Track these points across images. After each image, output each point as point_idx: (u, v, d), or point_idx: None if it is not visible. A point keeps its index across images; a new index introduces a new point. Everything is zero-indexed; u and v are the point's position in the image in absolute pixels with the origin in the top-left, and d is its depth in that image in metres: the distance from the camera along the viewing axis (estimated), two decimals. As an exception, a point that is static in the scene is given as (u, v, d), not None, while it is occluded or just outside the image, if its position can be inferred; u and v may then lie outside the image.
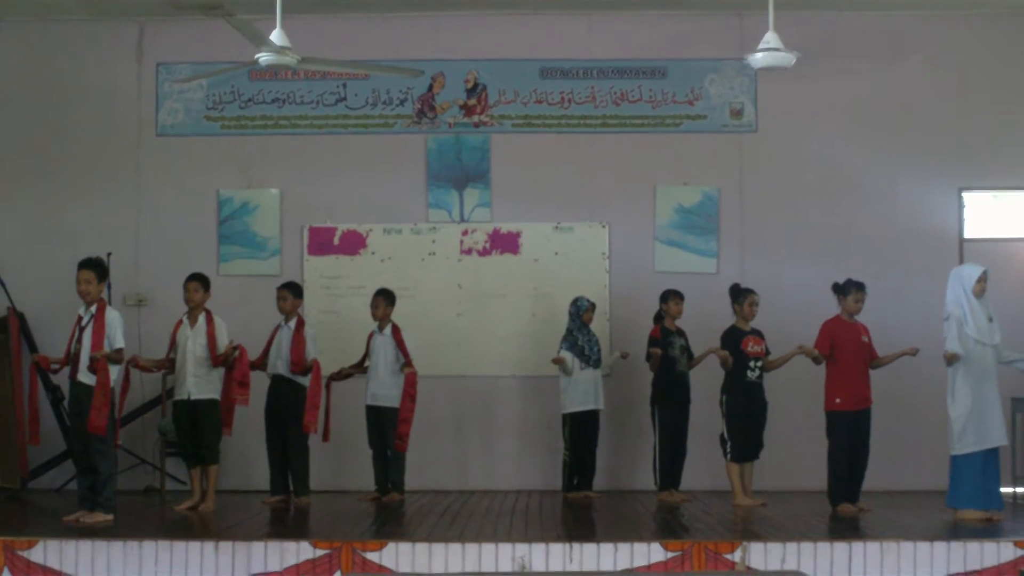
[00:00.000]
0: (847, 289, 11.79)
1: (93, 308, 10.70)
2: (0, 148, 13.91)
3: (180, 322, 11.69)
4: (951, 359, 10.92)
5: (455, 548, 9.34)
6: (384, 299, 12.62)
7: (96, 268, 10.79)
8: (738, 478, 12.05)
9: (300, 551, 9.36)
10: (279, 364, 12.22)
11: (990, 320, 11.03)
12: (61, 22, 13.88)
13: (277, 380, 12.26)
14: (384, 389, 12.45)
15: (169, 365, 11.73)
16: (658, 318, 12.66)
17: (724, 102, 13.88)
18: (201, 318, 11.60)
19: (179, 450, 12.13)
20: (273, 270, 13.64)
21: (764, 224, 13.74)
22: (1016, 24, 13.80)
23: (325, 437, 12.41)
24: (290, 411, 12.11)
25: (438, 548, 9.34)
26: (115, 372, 10.68)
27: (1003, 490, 11.24)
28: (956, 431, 10.88)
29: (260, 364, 12.21)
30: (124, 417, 11.63)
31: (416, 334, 12.74)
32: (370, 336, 12.64)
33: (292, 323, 12.27)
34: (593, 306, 12.87)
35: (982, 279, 11.02)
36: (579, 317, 12.78)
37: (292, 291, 12.44)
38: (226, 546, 9.38)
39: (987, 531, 10.16)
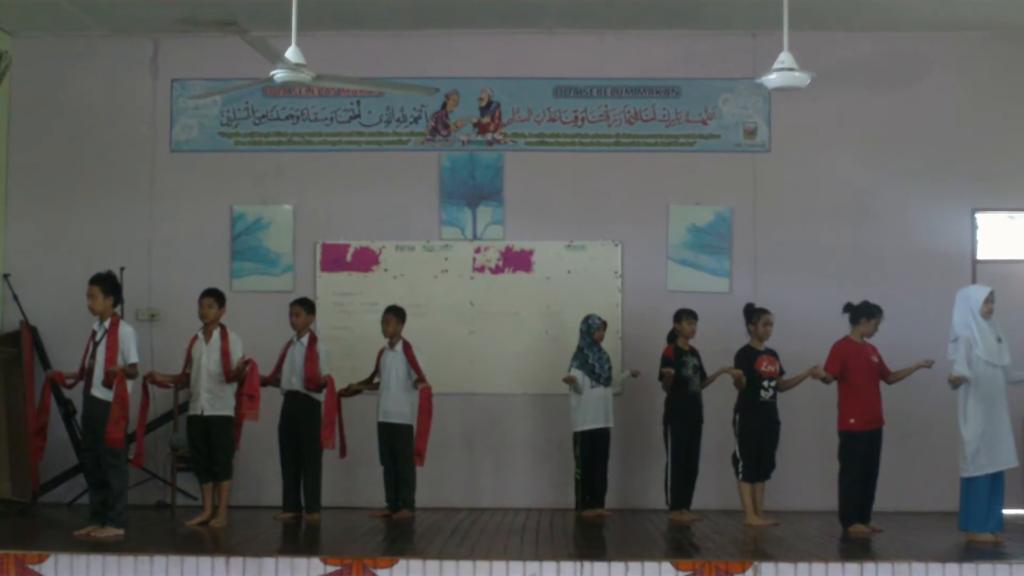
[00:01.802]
0: (873, 313, 11.75)
1: (107, 323, 10.71)
2: (15, 162, 13.95)
3: (195, 337, 11.71)
4: (956, 382, 10.89)
5: (466, 565, 9.32)
6: (395, 316, 12.63)
7: (102, 283, 10.77)
8: (750, 498, 12.03)
9: (311, 567, 9.33)
10: (293, 380, 12.24)
11: (999, 341, 11.00)
12: (77, 37, 13.94)
13: (291, 396, 12.27)
14: (396, 406, 12.46)
15: (184, 380, 11.76)
16: (671, 337, 12.66)
17: (737, 122, 13.89)
18: (216, 333, 11.62)
19: (192, 465, 12.14)
20: (286, 286, 13.67)
21: (777, 244, 13.74)
22: (1030, 44, 13.83)
23: (342, 453, 12.43)
24: (304, 427, 12.14)
25: (449, 565, 9.31)
26: (129, 387, 10.67)
27: (1015, 512, 11.22)
28: (969, 453, 10.83)
29: (272, 380, 12.23)
30: (133, 433, 11.61)
31: (428, 351, 12.76)
32: (381, 353, 12.65)
33: (305, 339, 12.29)
34: (604, 324, 12.87)
35: (989, 300, 10.99)
36: (590, 335, 12.78)
37: (305, 307, 12.46)
38: (237, 562, 9.36)
39: (999, 553, 10.11)
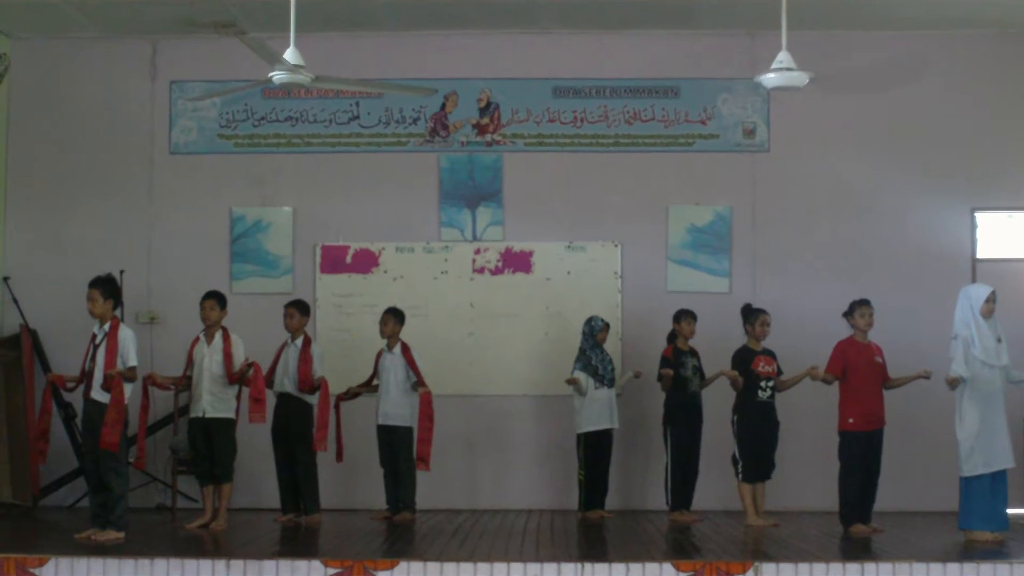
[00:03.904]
0: (851, 309, 11.78)
1: (107, 326, 10.71)
2: (14, 165, 13.94)
3: (197, 339, 11.71)
4: (952, 383, 10.89)
5: (467, 567, 9.31)
6: (393, 317, 12.61)
7: (102, 286, 10.76)
8: (750, 498, 12.03)
9: (311, 570, 9.33)
10: (286, 382, 12.22)
11: (998, 341, 10.99)
12: (75, 39, 13.92)
13: (284, 398, 12.25)
14: (395, 408, 12.44)
15: (185, 382, 11.74)
16: (671, 338, 12.66)
17: (736, 121, 13.88)
18: (218, 336, 11.62)
19: (192, 468, 12.14)
20: (285, 288, 13.65)
21: (776, 244, 13.73)
22: (1030, 43, 13.83)
23: (339, 457, 12.42)
24: (297, 429, 12.13)
25: (449, 567, 9.31)
26: (128, 390, 10.67)
27: (1016, 511, 11.22)
28: (964, 453, 10.85)
29: (266, 382, 12.17)
30: (134, 436, 11.59)
31: (428, 353, 12.75)
32: (379, 355, 12.63)
33: (299, 341, 12.27)
34: (607, 326, 12.86)
35: (990, 299, 10.98)
36: (593, 337, 12.77)
37: (299, 309, 12.44)
38: (237, 564, 9.36)
39: (999, 552, 10.12)
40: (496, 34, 13.83)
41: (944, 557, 9.67)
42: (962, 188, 13.74)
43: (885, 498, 11.84)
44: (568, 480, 13.13)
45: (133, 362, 10.70)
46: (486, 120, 13.93)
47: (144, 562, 9.40)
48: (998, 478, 10.85)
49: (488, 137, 13.93)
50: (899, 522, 12.00)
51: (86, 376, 10.71)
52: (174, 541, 11.04)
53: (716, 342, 12.72)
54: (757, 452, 12.02)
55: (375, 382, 12.64)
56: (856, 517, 11.49)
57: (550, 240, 13.79)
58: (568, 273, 13.78)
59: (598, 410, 12.66)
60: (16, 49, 13.93)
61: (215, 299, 11.74)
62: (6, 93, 13.89)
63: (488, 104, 13.94)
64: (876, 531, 11.40)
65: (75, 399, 11.73)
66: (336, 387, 12.35)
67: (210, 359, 11.56)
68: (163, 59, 14.00)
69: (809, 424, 12.85)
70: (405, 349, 12.50)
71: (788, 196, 13.80)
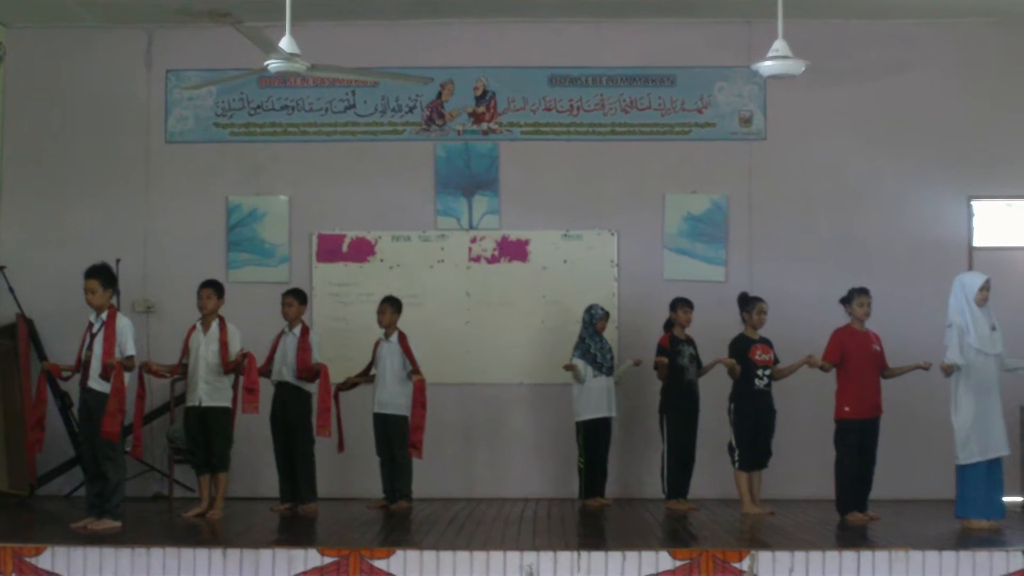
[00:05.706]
0: (850, 297, 11.79)
1: (104, 315, 10.70)
2: (10, 154, 13.93)
3: (193, 328, 11.69)
4: (948, 370, 10.91)
5: (463, 556, 9.32)
6: (391, 306, 12.60)
7: (101, 276, 10.76)
8: (746, 486, 12.04)
9: (308, 558, 9.34)
10: (284, 371, 12.21)
11: (993, 329, 11.00)
12: (71, 28, 13.90)
13: (282, 387, 12.24)
14: (391, 397, 12.44)
15: (181, 371, 11.73)
16: (668, 326, 12.66)
17: (733, 110, 13.87)
18: (214, 325, 11.61)
19: (189, 457, 12.13)
20: (282, 277, 13.64)
21: (773, 232, 13.73)
22: (1026, 31, 13.81)
23: (340, 447, 12.42)
24: (295, 418, 12.13)
25: (446, 556, 9.32)
26: (126, 379, 10.65)
27: (1012, 499, 11.24)
28: (960, 441, 10.88)
29: (264, 371, 12.17)
30: (130, 425, 11.58)
31: (425, 342, 12.74)
32: (376, 344, 12.63)
33: (296, 330, 12.26)
34: (607, 315, 12.87)
35: (984, 288, 10.99)
36: (592, 325, 12.77)
37: (297, 298, 12.43)
38: (234, 553, 9.37)
39: (995, 540, 10.12)
40: (492, 22, 13.81)
41: (940, 545, 9.67)
42: (959, 176, 13.73)
43: (881, 486, 11.84)
44: (565, 468, 13.14)
45: (131, 351, 10.70)
46: (482, 109, 13.92)
47: (140, 551, 9.40)
48: (994, 466, 10.87)
49: (484, 126, 13.92)
50: (895, 510, 12.00)
51: (83, 365, 10.71)
52: (171, 530, 11.07)
53: (713, 330, 12.71)
54: (753, 440, 12.02)
55: (372, 371, 12.64)
56: (852, 505, 11.51)
57: (546, 228, 13.79)
58: (564, 262, 13.78)
59: (596, 398, 12.67)
60: (12, 38, 13.90)
61: (212, 288, 11.72)
62: (2, 82, 13.86)
63: (484, 93, 13.93)
64: (872, 519, 11.41)
65: (71, 388, 11.72)
66: (333, 376, 12.34)
67: (206, 348, 11.55)
68: (159, 48, 13.99)
69: (806, 412, 12.86)
70: (402, 338, 12.49)
71: (785, 184, 13.79)
